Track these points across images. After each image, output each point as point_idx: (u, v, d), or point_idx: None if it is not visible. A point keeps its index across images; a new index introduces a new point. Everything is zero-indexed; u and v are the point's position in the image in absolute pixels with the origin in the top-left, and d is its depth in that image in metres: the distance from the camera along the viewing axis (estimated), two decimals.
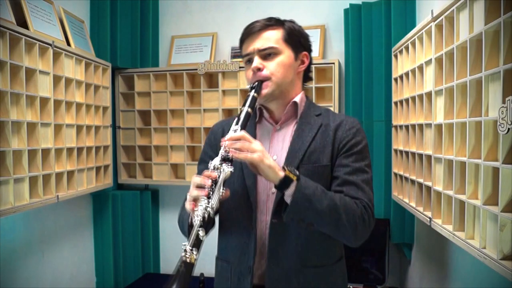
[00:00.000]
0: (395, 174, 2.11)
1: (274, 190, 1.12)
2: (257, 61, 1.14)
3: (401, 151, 1.98)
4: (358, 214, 1.06)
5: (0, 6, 1.63)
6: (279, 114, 1.22)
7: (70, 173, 2.05)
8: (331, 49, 2.57)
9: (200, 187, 1.01)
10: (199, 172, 1.23)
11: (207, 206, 0.97)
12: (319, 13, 2.57)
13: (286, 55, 1.16)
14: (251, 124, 1.19)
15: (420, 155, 1.66)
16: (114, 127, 2.67)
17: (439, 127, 1.45)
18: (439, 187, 1.44)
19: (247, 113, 1.10)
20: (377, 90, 2.34)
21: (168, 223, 2.87)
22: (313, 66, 1.30)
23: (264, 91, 1.14)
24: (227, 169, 1.01)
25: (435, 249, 1.88)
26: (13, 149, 1.63)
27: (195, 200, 1.01)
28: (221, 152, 1.04)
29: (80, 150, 2.15)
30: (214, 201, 0.99)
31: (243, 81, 2.50)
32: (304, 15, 2.59)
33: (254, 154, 1.01)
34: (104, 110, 2.40)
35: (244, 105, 1.11)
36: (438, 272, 1.85)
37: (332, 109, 2.38)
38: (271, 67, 1.14)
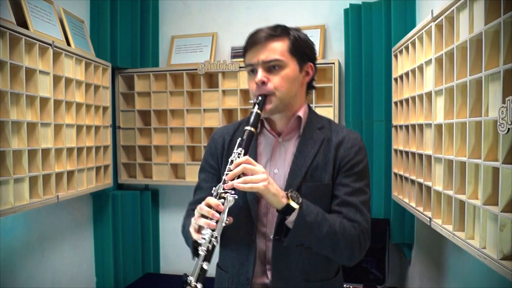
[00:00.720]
0: (395, 174, 2.11)
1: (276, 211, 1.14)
2: (261, 74, 1.11)
3: (401, 151, 1.98)
4: (355, 240, 1.08)
5: (0, 6, 1.63)
6: (281, 126, 1.20)
7: (70, 173, 2.05)
8: (331, 49, 2.57)
9: (206, 216, 1.01)
10: (201, 182, 1.25)
11: (212, 240, 0.98)
12: (319, 13, 2.57)
13: (291, 68, 1.13)
14: (253, 138, 1.18)
15: (420, 155, 1.66)
16: (114, 127, 2.67)
17: (439, 127, 1.45)
18: (439, 187, 1.44)
19: (250, 134, 1.08)
20: (377, 90, 2.34)
21: (168, 223, 2.87)
22: (316, 76, 1.29)
23: (268, 106, 1.12)
24: (231, 197, 1.02)
25: (435, 249, 1.88)
26: (13, 149, 1.63)
27: (200, 227, 1.02)
28: (225, 176, 1.04)
29: (80, 150, 2.15)
30: (219, 232, 1.00)
31: (243, 81, 2.50)
32: (304, 15, 2.59)
33: (260, 184, 1.01)
34: (104, 110, 2.40)
35: (247, 123, 1.09)
36: (438, 272, 1.85)
37: (332, 109, 2.39)
38: (275, 81, 1.11)
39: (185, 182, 2.61)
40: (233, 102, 2.56)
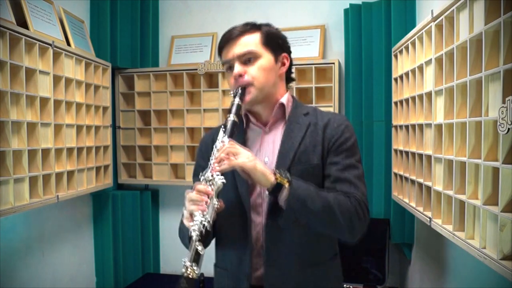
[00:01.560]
0: (395, 174, 2.11)
1: (267, 192, 1.12)
2: (238, 68, 1.14)
3: (401, 151, 1.98)
4: (352, 211, 1.06)
5: (0, 6, 1.63)
6: (267, 117, 1.21)
7: (70, 173, 2.05)
8: (331, 49, 2.57)
9: (195, 202, 1.02)
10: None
11: (203, 220, 0.98)
12: (319, 13, 2.57)
13: (266, 58, 1.16)
14: (239, 131, 1.19)
15: (420, 155, 1.66)
16: (114, 127, 2.67)
17: (439, 127, 1.45)
18: (439, 187, 1.44)
19: (233, 122, 1.10)
20: (377, 90, 2.34)
21: (168, 223, 2.87)
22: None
23: (248, 97, 1.14)
24: (219, 181, 1.02)
25: (435, 249, 1.88)
26: (13, 149, 1.63)
27: (191, 215, 1.02)
28: (211, 163, 1.05)
29: (80, 150, 2.15)
30: (210, 214, 1.00)
31: None
32: (304, 15, 2.59)
33: (246, 162, 1.02)
34: (104, 110, 2.40)
35: (229, 113, 1.11)
36: (438, 272, 1.85)
37: (332, 109, 2.39)
38: (252, 72, 1.14)
39: (185, 182, 2.61)
40: None
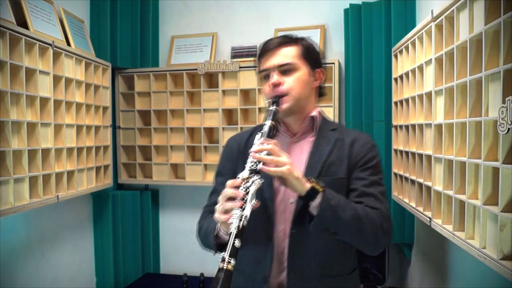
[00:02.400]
0: (395, 174, 2.11)
1: (292, 200, 1.16)
2: (275, 77, 1.17)
3: (401, 151, 1.98)
4: (378, 224, 1.10)
5: (0, 6, 1.63)
6: (296, 128, 1.25)
7: (70, 173, 2.05)
8: (331, 49, 2.57)
9: (230, 199, 1.02)
10: (218, 185, 1.26)
11: (242, 216, 0.99)
12: (319, 13, 2.57)
13: (303, 71, 1.19)
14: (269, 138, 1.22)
15: (420, 155, 1.66)
16: (114, 127, 2.67)
17: (439, 127, 1.45)
18: (439, 187, 1.44)
19: (271, 126, 1.12)
20: (377, 90, 2.34)
21: (168, 223, 2.87)
22: (325, 82, 1.33)
23: (283, 106, 1.17)
24: (258, 180, 1.03)
25: (435, 249, 1.88)
26: (13, 149, 1.63)
27: (227, 212, 1.02)
28: (249, 164, 1.06)
29: (80, 150, 2.15)
30: (248, 211, 1.00)
31: (243, 81, 2.50)
32: (304, 15, 2.59)
33: (284, 167, 1.03)
34: (104, 110, 2.40)
35: (266, 119, 1.14)
36: (438, 272, 1.85)
37: (332, 109, 2.39)
38: (289, 83, 1.17)
39: (185, 182, 2.61)
40: (233, 102, 2.56)
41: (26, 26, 1.78)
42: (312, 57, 1.23)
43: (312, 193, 1.05)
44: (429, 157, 1.55)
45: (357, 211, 1.07)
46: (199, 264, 2.59)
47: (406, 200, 1.87)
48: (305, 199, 1.06)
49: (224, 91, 2.57)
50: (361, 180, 1.16)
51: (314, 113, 1.24)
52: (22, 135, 1.70)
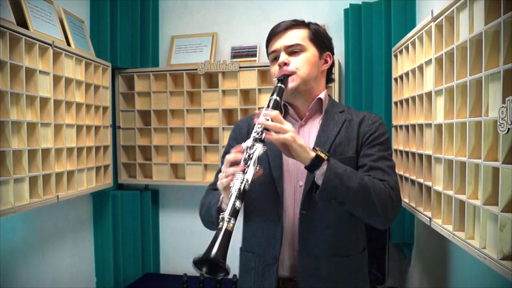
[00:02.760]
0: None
1: (301, 183, 1.16)
2: (283, 57, 1.19)
3: (401, 151, 1.98)
4: (386, 194, 1.09)
5: (0, 6, 1.63)
6: (304, 110, 1.25)
7: (70, 173, 2.05)
8: None
9: (233, 164, 1.03)
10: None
11: (243, 179, 0.99)
12: (319, 13, 2.57)
13: (311, 52, 1.21)
14: None
15: (420, 155, 1.66)
16: (114, 127, 2.67)
17: (439, 127, 1.45)
18: (439, 187, 1.44)
19: (276, 100, 1.13)
20: (377, 90, 2.34)
21: (168, 223, 2.87)
22: (334, 68, 1.34)
23: (290, 84, 1.18)
24: (260, 146, 1.03)
25: (435, 249, 1.88)
26: (13, 149, 1.63)
27: (229, 177, 1.03)
28: (253, 133, 1.06)
29: (80, 150, 2.15)
30: (249, 175, 1.00)
31: (243, 81, 2.50)
32: (304, 15, 2.54)
33: (286, 134, 1.03)
34: (104, 110, 2.40)
35: (272, 94, 1.14)
36: (438, 272, 1.85)
37: None
38: (296, 63, 1.19)
39: (185, 182, 2.61)
40: (233, 102, 2.56)
41: (26, 26, 1.78)
42: (321, 40, 1.24)
43: (317, 162, 1.04)
44: (429, 157, 1.55)
45: (364, 180, 1.07)
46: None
47: (406, 200, 1.87)
48: (311, 168, 1.05)
49: (224, 91, 2.57)
50: (369, 156, 1.16)
51: (322, 95, 1.25)
52: (22, 135, 1.70)
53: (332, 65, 1.30)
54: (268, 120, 1.06)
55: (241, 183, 0.98)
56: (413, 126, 1.76)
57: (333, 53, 1.30)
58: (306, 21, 1.26)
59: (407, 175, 1.85)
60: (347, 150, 1.17)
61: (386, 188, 1.10)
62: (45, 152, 1.86)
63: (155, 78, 2.65)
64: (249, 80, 2.49)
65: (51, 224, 2.17)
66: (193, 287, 2.39)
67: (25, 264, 1.97)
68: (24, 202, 1.70)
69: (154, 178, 2.65)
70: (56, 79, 1.94)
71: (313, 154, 1.04)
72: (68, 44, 2.10)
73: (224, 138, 2.54)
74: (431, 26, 1.51)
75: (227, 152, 1.29)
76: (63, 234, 2.27)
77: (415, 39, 1.71)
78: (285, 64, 1.18)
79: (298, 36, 1.21)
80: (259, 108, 2.47)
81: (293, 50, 1.20)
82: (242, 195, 0.98)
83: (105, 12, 2.47)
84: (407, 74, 1.85)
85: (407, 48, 1.85)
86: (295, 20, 1.24)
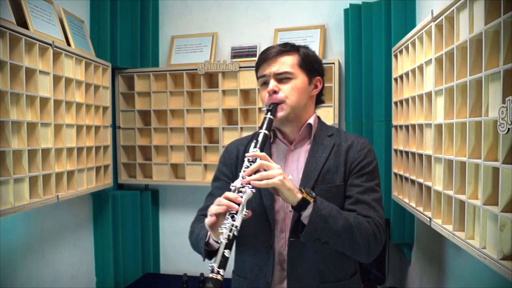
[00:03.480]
0: (395, 174, 2.11)
1: (291, 208, 1.16)
2: (273, 84, 1.19)
3: (401, 151, 1.98)
4: (370, 233, 1.11)
5: (0, 6, 1.63)
6: (293, 136, 1.26)
7: (70, 173, 2.05)
8: (331, 49, 2.57)
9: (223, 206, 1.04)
10: (214, 191, 1.28)
11: (232, 226, 1.01)
12: (319, 13, 2.57)
13: (301, 79, 1.20)
14: (266, 144, 1.22)
15: (420, 155, 1.66)
16: (114, 127, 2.67)
17: (439, 127, 1.45)
18: (439, 187, 1.44)
19: (265, 135, 1.14)
20: (377, 90, 2.34)
21: (168, 223, 2.87)
22: (324, 90, 1.34)
23: (280, 114, 1.18)
24: (249, 190, 1.05)
25: (435, 249, 1.88)
26: (13, 149, 1.63)
27: (217, 216, 1.05)
28: (242, 174, 1.08)
29: (80, 150, 2.15)
30: (238, 222, 1.02)
31: (243, 81, 2.50)
32: (304, 15, 2.59)
33: (275, 178, 1.04)
34: (104, 110, 2.40)
35: (261, 127, 1.15)
36: (438, 272, 1.85)
37: (332, 109, 2.39)
38: (286, 91, 1.18)
39: (185, 182, 2.61)
40: (233, 102, 2.56)
41: (26, 26, 1.78)
42: (311, 65, 1.23)
43: (303, 203, 1.06)
44: (429, 157, 1.55)
45: (348, 221, 1.08)
46: (199, 264, 2.56)
47: (406, 200, 1.87)
48: (297, 209, 1.07)
49: (224, 91, 2.57)
50: (356, 187, 1.17)
51: (311, 120, 1.25)
52: (22, 135, 1.70)
53: (322, 88, 1.30)
54: (255, 160, 1.08)
55: (230, 230, 1.00)
56: (413, 126, 1.76)
57: (323, 76, 1.29)
58: (297, 45, 1.25)
59: (407, 175, 1.85)
60: (335, 178, 1.18)
61: (371, 227, 1.12)
62: (45, 152, 1.86)
63: (155, 78, 2.65)
64: (249, 80, 2.49)
65: (51, 224, 2.17)
66: (193, 287, 2.40)
67: (25, 264, 1.97)
68: (24, 202, 1.70)
69: (154, 178, 2.65)
70: (56, 79, 1.94)
71: (300, 196, 1.06)
72: (68, 44, 2.10)
73: (224, 138, 2.54)
74: (431, 26, 1.51)
75: (217, 177, 1.32)
76: (63, 234, 2.27)
77: (415, 39, 1.71)
78: (275, 92, 1.18)
79: (287, 63, 1.20)
80: (259, 109, 2.48)
81: (283, 77, 1.19)
82: (231, 242, 1.00)
83: (105, 12, 2.47)
84: (407, 74, 1.85)
85: (407, 48, 1.85)
86: (285, 45, 1.22)
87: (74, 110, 2.07)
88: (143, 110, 2.69)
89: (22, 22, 1.79)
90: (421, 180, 1.64)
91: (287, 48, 1.22)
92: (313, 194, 1.08)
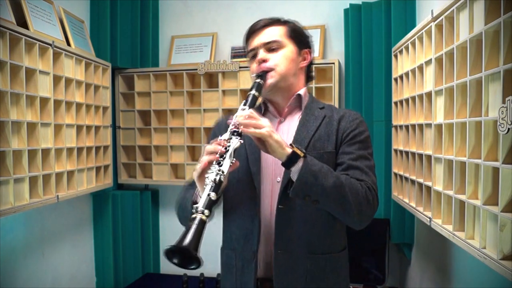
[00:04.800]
0: (395, 174, 2.11)
1: (279, 179, 1.15)
2: (262, 54, 1.19)
3: (401, 151, 1.98)
4: (362, 194, 1.08)
5: (0, 6, 1.63)
6: (284, 107, 1.25)
7: (70, 173, 2.05)
8: (331, 49, 2.57)
9: (211, 154, 1.03)
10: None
11: (219, 170, 0.99)
12: (319, 13, 2.57)
13: (290, 49, 1.21)
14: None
15: (420, 155, 1.66)
16: (114, 127, 2.67)
17: (439, 127, 1.45)
18: (439, 187, 1.44)
19: (254, 96, 1.13)
20: (377, 90, 2.34)
21: (168, 223, 2.86)
22: (313, 67, 1.33)
23: (269, 81, 1.18)
24: (236, 140, 1.04)
25: (435, 249, 1.88)
26: (13, 149, 1.63)
27: (209, 163, 1.03)
28: (230, 127, 1.07)
29: (80, 150, 2.15)
30: (225, 167, 1.00)
31: (243, 81, 2.50)
32: (304, 15, 2.59)
33: (263, 129, 1.03)
34: (104, 110, 2.40)
35: (250, 90, 1.15)
36: (438, 272, 1.85)
37: None
38: (275, 59, 1.19)
39: (185, 182, 2.61)
40: (233, 102, 2.56)
41: (26, 26, 1.78)
42: (299, 37, 1.24)
43: (293, 158, 1.03)
44: (429, 157, 1.55)
45: (339, 179, 1.05)
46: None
47: (406, 200, 1.87)
48: (287, 164, 1.04)
49: (224, 91, 2.57)
50: (348, 154, 1.15)
51: (301, 91, 1.24)
52: (22, 135, 1.70)
53: (311, 62, 1.29)
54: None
55: (217, 175, 0.98)
56: (413, 126, 1.76)
57: (311, 50, 1.29)
58: (284, 19, 1.26)
59: (407, 175, 1.86)
60: (326, 145, 1.16)
61: (363, 188, 1.09)
62: (45, 152, 1.86)
63: (155, 78, 2.65)
64: (249, 80, 2.48)
65: (51, 224, 2.17)
66: (193, 287, 2.40)
67: (25, 264, 1.97)
68: (24, 202, 1.70)
69: (154, 178, 2.65)
70: (56, 79, 1.94)
71: (289, 150, 1.03)
72: (68, 44, 2.10)
73: None
74: (431, 26, 1.51)
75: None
76: (63, 234, 2.27)
77: (415, 39, 1.71)
78: (264, 61, 1.19)
79: (276, 33, 1.21)
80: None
81: (272, 47, 1.20)
82: (217, 186, 0.97)
83: (105, 12, 2.47)
84: (407, 74, 1.85)
85: (407, 48, 1.85)
86: (273, 18, 1.24)
87: (74, 110, 2.07)
88: (143, 110, 2.69)
89: (22, 22, 1.79)
90: (421, 180, 1.64)
91: (275, 20, 1.24)
92: (303, 150, 1.06)
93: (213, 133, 1.31)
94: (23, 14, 1.80)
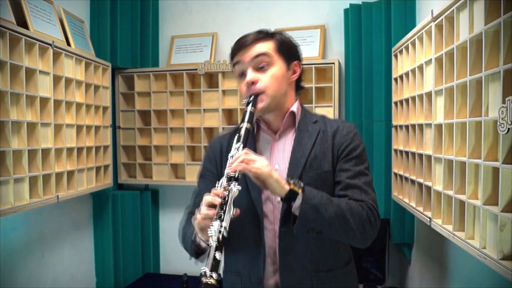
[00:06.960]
0: (395, 174, 2.11)
1: (279, 199, 1.13)
2: (251, 74, 1.15)
3: (401, 151, 1.98)
4: (364, 217, 1.08)
5: (0, 6, 1.63)
6: (277, 125, 1.23)
7: (70, 173, 2.05)
8: (331, 49, 2.57)
9: (211, 206, 1.02)
10: (200, 189, 1.25)
11: (221, 228, 0.99)
12: (319, 13, 2.57)
13: (279, 66, 1.17)
14: (250, 137, 1.19)
15: (420, 155, 1.66)
16: (114, 127, 2.67)
17: (439, 127, 1.45)
18: (439, 187, 1.44)
19: (247, 129, 1.11)
20: (377, 90, 2.34)
21: (168, 223, 2.86)
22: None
23: (260, 105, 1.15)
24: (235, 188, 1.03)
25: (435, 249, 1.88)
26: (13, 149, 1.63)
27: (206, 218, 1.03)
28: (227, 171, 1.06)
29: (80, 150, 2.15)
30: (227, 222, 1.00)
31: None
32: (304, 15, 2.59)
33: (263, 169, 1.03)
34: (104, 110, 2.40)
35: (242, 121, 1.12)
36: (438, 272, 1.85)
37: (332, 109, 2.39)
38: (265, 80, 1.15)
39: (185, 182, 2.61)
40: (233, 102, 2.56)
41: (26, 26, 1.78)
42: (288, 50, 1.20)
43: (292, 195, 1.04)
44: (429, 157, 1.55)
45: (340, 208, 1.05)
46: (199, 264, 2.58)
47: (406, 200, 1.87)
48: (286, 201, 1.05)
49: (224, 91, 2.57)
50: (345, 172, 1.14)
51: (294, 107, 1.22)
52: (22, 135, 1.70)
53: (301, 73, 1.26)
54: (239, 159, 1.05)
55: (219, 232, 0.98)
56: (413, 126, 1.76)
57: (300, 61, 1.25)
58: (271, 31, 1.21)
59: (407, 175, 1.86)
60: (323, 164, 1.15)
61: (364, 210, 1.09)
62: (45, 152, 1.86)
63: (155, 78, 2.65)
64: None
65: (51, 224, 2.17)
66: (193, 287, 2.39)
67: (25, 264, 1.97)
68: (24, 202, 1.70)
69: (154, 178, 2.65)
70: (56, 79, 1.94)
71: (287, 188, 1.03)
72: (68, 44, 2.10)
73: None
74: (431, 26, 1.51)
75: (202, 174, 1.29)
76: (63, 234, 2.27)
77: (415, 39, 1.71)
78: (253, 83, 1.14)
79: (264, 49, 1.16)
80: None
81: (260, 66, 1.15)
82: (221, 245, 0.98)
83: (105, 12, 2.47)
84: (407, 74, 1.85)
85: (407, 48, 1.85)
86: (260, 32, 1.18)
87: (74, 110, 2.07)
88: (143, 110, 2.69)
89: (22, 22, 1.79)
90: (421, 180, 1.64)
91: (262, 36, 1.18)
92: (301, 184, 1.05)
93: (207, 155, 1.30)
94: (23, 14, 1.80)
